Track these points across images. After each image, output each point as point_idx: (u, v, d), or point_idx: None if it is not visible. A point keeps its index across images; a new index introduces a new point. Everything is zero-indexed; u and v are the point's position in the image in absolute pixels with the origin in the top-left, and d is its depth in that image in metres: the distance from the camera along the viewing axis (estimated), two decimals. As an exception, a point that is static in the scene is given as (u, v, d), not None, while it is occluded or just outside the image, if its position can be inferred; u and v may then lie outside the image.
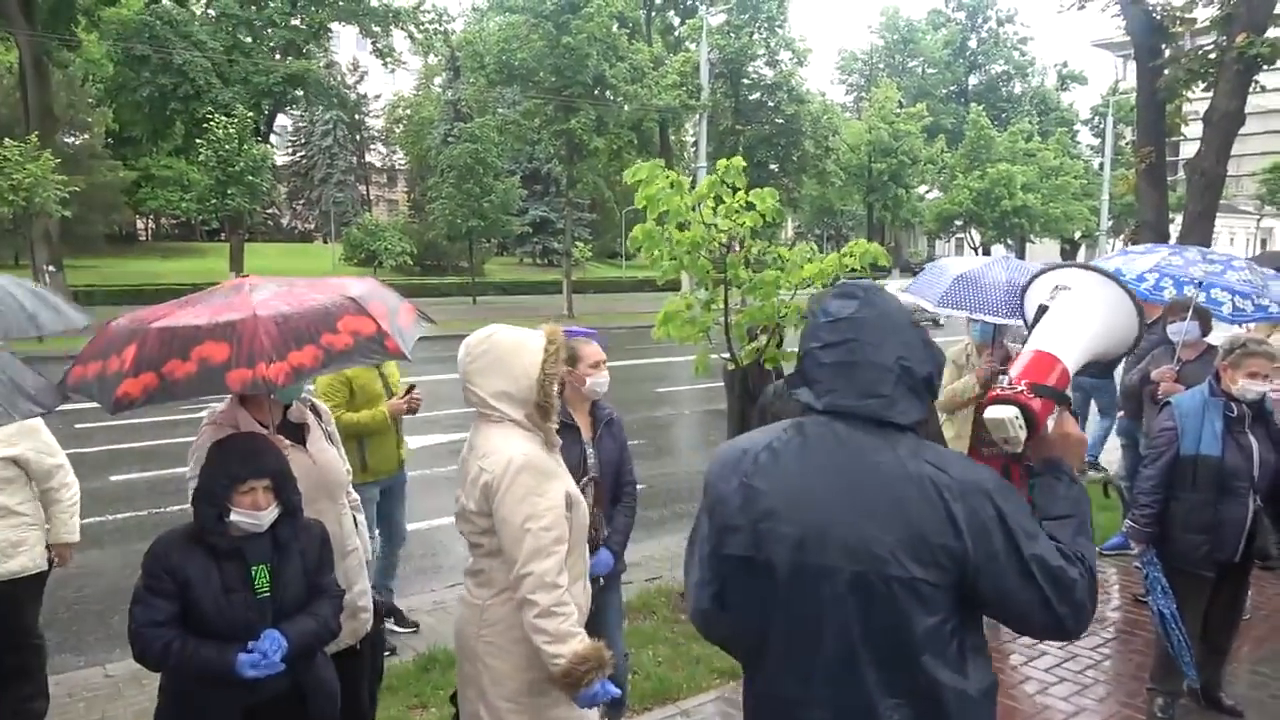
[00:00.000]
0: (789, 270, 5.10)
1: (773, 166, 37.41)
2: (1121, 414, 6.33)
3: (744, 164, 4.95)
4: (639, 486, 3.78)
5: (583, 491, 3.46)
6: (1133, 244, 9.51)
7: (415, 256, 37.91)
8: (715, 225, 4.85)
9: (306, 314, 2.37)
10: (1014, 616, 1.60)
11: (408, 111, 52.38)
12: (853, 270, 5.23)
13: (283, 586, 2.51)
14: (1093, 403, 7.39)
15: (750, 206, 4.77)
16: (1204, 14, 9.15)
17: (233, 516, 2.41)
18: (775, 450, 1.70)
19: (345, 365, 2.64)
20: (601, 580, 3.47)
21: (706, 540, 1.78)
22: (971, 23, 61.01)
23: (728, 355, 5.19)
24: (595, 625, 3.68)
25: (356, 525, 3.04)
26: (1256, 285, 4.71)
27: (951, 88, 60.09)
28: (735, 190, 4.81)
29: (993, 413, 1.79)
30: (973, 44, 61.22)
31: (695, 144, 33.13)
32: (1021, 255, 49.14)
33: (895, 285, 35.80)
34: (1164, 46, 9.33)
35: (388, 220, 45.60)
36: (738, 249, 5.07)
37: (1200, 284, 4.80)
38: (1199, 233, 9.03)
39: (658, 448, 9.94)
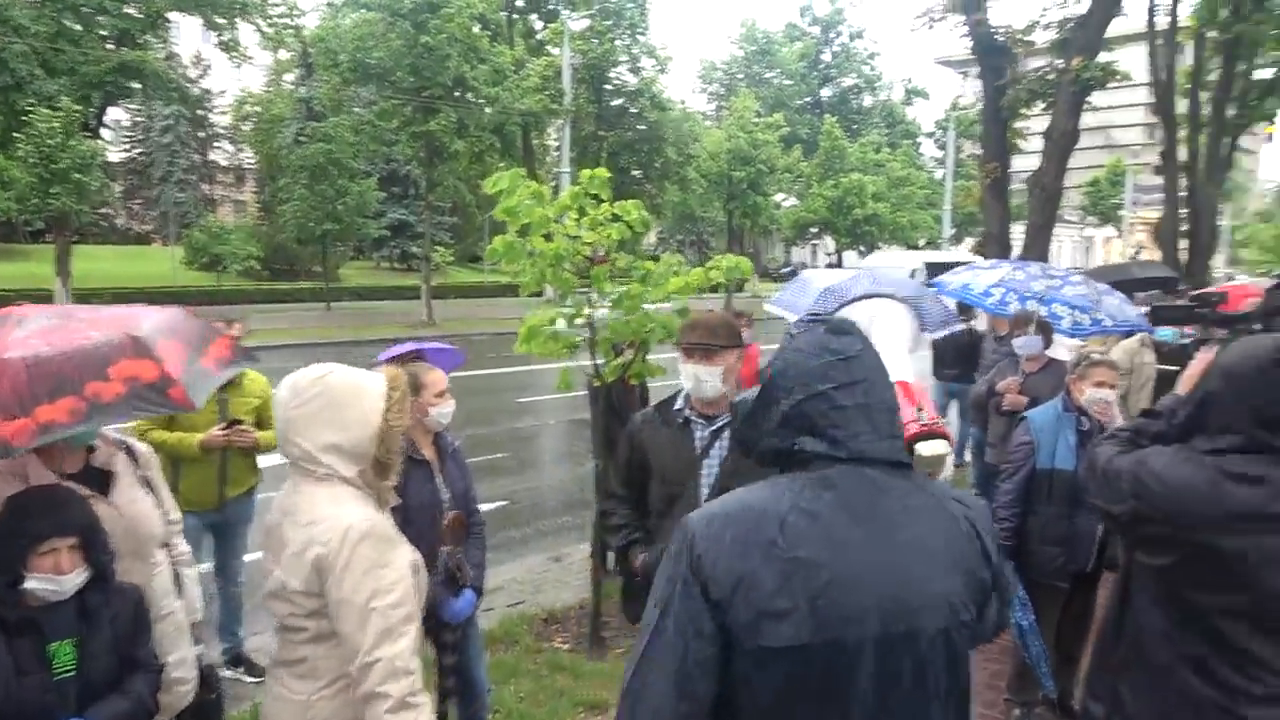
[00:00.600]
0: (654, 283, 4.97)
1: (635, 173, 37.57)
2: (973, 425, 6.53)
3: (608, 173, 4.79)
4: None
5: (446, 527, 3.22)
6: (979, 255, 9.92)
7: (263, 260, 36.06)
8: (579, 238, 4.66)
9: (71, 356, 1.98)
10: None
11: (256, 108, 49.90)
12: (716, 284, 5.17)
13: (90, 662, 2.15)
14: (954, 405, 7.61)
15: (616, 218, 4.60)
16: (1043, 37, 9.60)
17: (28, 583, 2.05)
18: (810, 513, 1.45)
19: (114, 420, 2.18)
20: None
21: (715, 638, 1.42)
22: (825, 36, 63.27)
23: (591, 371, 5.01)
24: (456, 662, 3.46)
25: (182, 583, 2.68)
26: (1092, 300, 4.90)
27: (807, 99, 62.11)
28: (600, 201, 4.65)
29: (932, 449, 1.72)
30: (826, 57, 63.50)
31: (559, 148, 32.89)
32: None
33: (754, 284, 36.12)
34: (1007, 67, 9.75)
35: (234, 222, 43.27)
36: (603, 260, 4.90)
37: (1042, 299, 4.96)
38: (1040, 244, 9.49)
39: (520, 461, 9.65)
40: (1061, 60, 9.18)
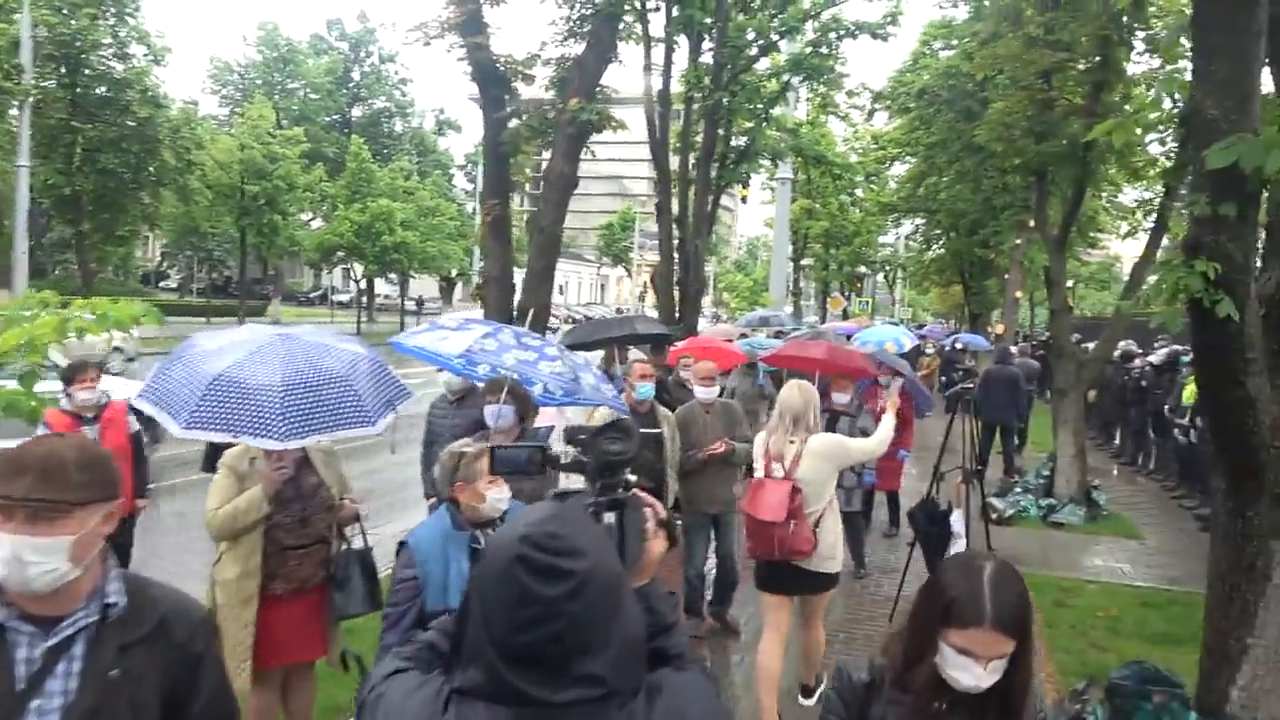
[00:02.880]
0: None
1: (125, 175, 32.26)
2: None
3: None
4: None
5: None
6: (479, 299, 9.20)
7: None
8: None
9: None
10: None
11: None
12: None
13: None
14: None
15: None
16: (545, 73, 9.15)
17: None
18: None
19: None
20: None
21: None
22: (355, 54, 61.03)
23: None
24: None
25: None
26: (568, 378, 4.17)
27: (335, 116, 59.28)
28: None
29: None
30: (356, 76, 61.27)
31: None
32: (405, 290, 50.19)
33: (274, 308, 33.30)
34: (508, 98, 9.15)
35: None
36: None
37: (517, 374, 4.14)
38: (540, 289, 8.98)
39: None
40: (560, 99, 8.76)
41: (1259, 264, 3.97)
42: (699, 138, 14.84)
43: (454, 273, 53.20)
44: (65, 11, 29.96)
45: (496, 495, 3.34)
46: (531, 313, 8.45)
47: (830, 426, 7.91)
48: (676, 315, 14.57)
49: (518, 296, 9.13)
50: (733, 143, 15.25)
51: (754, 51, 13.98)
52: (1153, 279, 3.72)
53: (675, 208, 14.86)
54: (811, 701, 5.40)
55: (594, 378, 4.70)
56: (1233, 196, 3.59)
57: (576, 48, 8.62)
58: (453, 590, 3.13)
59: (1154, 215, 11.05)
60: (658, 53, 14.30)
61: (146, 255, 64.20)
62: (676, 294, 14.65)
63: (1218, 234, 3.65)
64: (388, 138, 61.21)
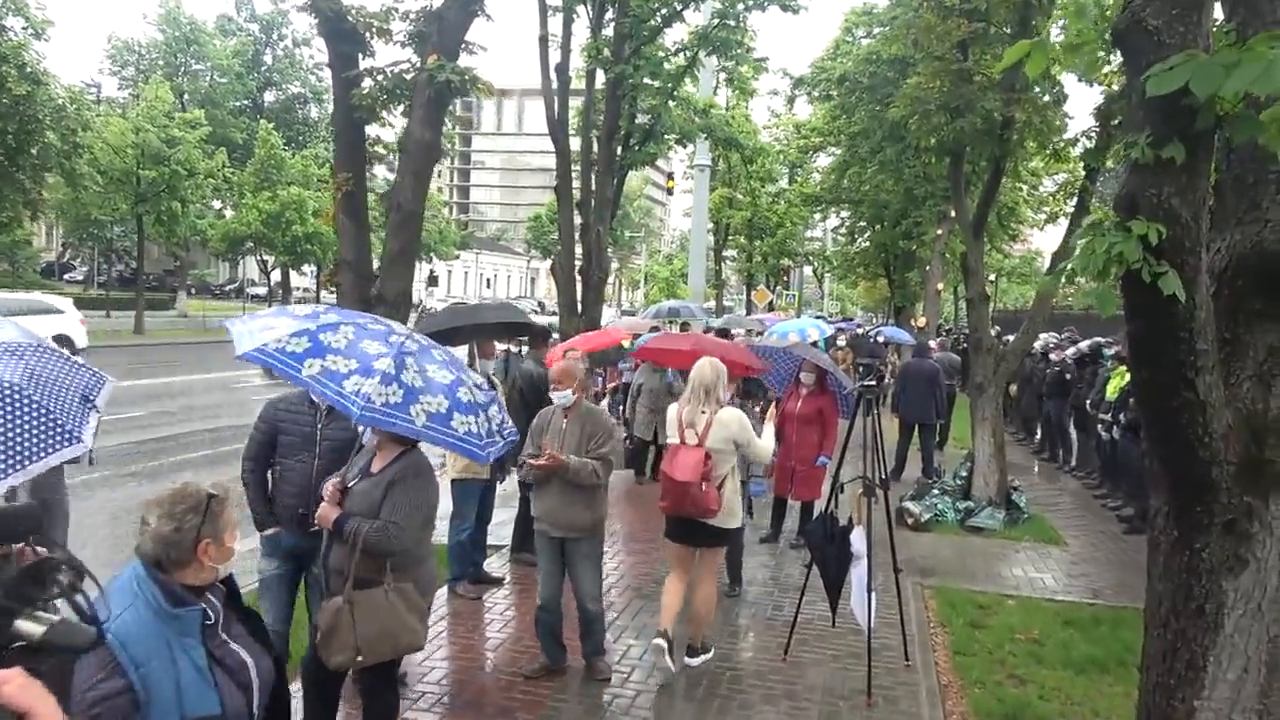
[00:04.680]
0: None
1: (0, 158, 29.88)
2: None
3: None
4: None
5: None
6: (333, 286, 8.04)
7: None
8: None
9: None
10: None
11: None
12: None
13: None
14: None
15: None
16: (401, 29, 8.02)
17: None
18: None
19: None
20: None
21: None
22: (266, 37, 58.47)
23: None
24: None
25: None
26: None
27: (245, 101, 56.68)
28: None
29: None
30: (268, 59, 58.71)
31: None
32: (321, 282, 48.16)
33: (182, 301, 31.72)
34: (361, 56, 8.01)
35: None
36: None
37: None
38: (398, 273, 7.87)
39: None
40: (419, 57, 7.65)
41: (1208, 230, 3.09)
42: (602, 117, 13.83)
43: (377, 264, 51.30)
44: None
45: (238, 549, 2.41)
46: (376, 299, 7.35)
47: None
48: (579, 306, 13.55)
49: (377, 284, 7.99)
50: (637, 121, 14.28)
51: (657, 21, 13.00)
52: (1081, 244, 2.79)
53: (577, 192, 13.81)
54: (697, 662, 5.80)
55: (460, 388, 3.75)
56: (1179, 135, 2.71)
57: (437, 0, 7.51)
58: (189, 695, 2.17)
59: (1074, 199, 10.42)
60: (555, 23, 13.25)
61: (48, 247, 60.81)
62: (579, 284, 13.63)
63: (1160, 186, 2.76)
64: (302, 124, 58.82)
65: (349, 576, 3.77)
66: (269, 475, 4.80)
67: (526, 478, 5.38)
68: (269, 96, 58.34)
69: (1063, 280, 3.13)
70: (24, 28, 30.52)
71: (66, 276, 58.59)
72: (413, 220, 7.84)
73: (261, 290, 54.32)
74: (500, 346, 10.23)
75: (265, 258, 47.12)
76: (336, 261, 8.13)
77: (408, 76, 7.84)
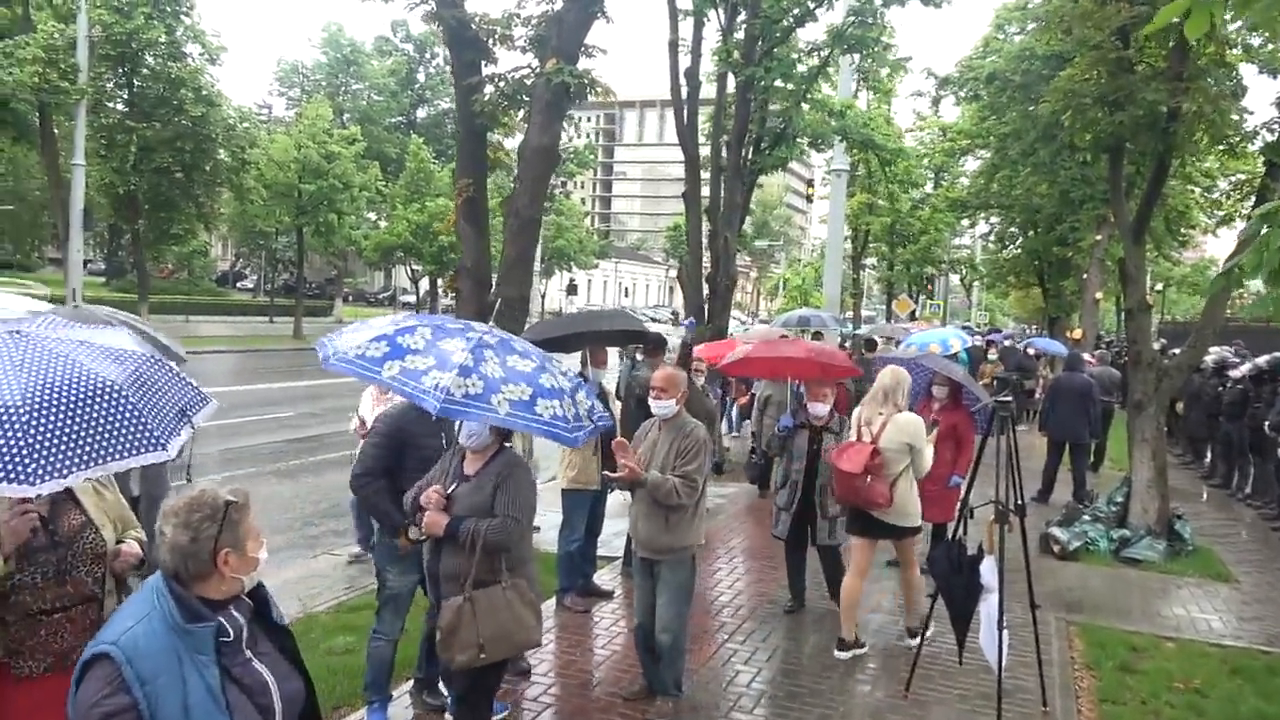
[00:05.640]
0: None
1: (178, 174, 32.31)
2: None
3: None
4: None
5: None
6: (452, 291, 8.08)
7: None
8: None
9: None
10: None
11: None
12: None
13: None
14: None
15: None
16: (523, 34, 7.99)
17: None
18: None
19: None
20: None
21: None
22: (420, 56, 61.03)
23: None
24: None
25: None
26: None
27: (399, 118, 59.31)
28: None
29: None
30: (421, 77, 61.26)
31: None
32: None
33: (339, 309, 33.20)
34: (483, 63, 8.03)
35: None
36: None
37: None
38: (516, 279, 7.83)
39: None
40: (538, 62, 7.59)
41: None
42: (731, 122, 13.53)
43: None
44: (122, 11, 30.06)
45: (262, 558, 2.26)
46: (498, 305, 7.31)
47: (813, 445, 6.63)
48: (705, 314, 13.27)
49: (494, 289, 7.99)
50: (768, 124, 13.89)
51: (789, 22, 12.59)
52: (1261, 234, 2.33)
53: (706, 199, 13.57)
54: (914, 642, 5.99)
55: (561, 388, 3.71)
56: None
57: (557, 3, 7.42)
58: (196, 716, 2.06)
59: (1253, 199, 9.38)
60: (686, 27, 13.06)
61: (223, 256, 65.53)
62: (706, 290, 13.36)
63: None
64: (451, 138, 61.00)
65: (467, 578, 3.81)
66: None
67: (612, 489, 5.17)
68: (421, 113, 60.83)
69: (1231, 284, 2.64)
70: (200, 54, 32.92)
71: (239, 285, 62.95)
72: (530, 226, 7.78)
73: (411, 298, 56.68)
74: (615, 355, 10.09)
75: (415, 267, 49.03)
76: (457, 268, 8.17)
77: (528, 82, 7.80)
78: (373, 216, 50.49)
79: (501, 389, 3.59)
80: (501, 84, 7.90)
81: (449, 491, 4.00)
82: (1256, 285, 2.68)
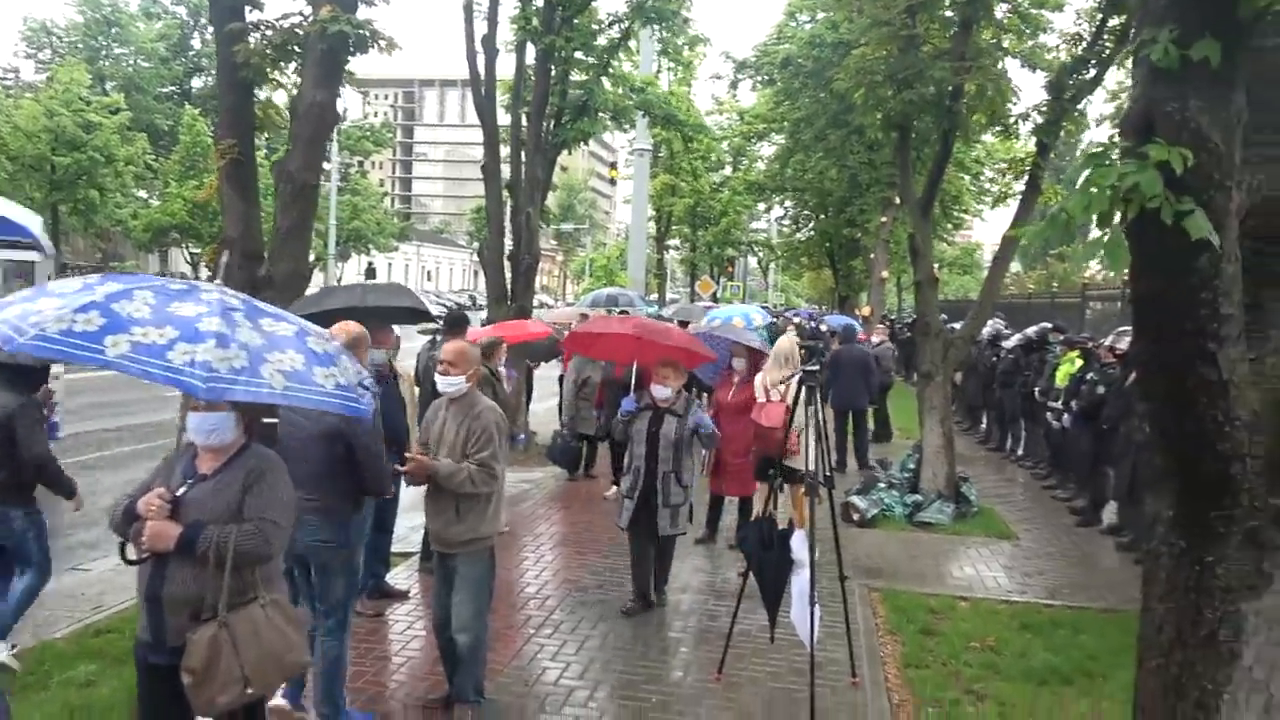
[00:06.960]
0: None
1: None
2: None
3: None
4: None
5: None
6: (212, 262, 7.15)
7: None
8: None
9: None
10: None
11: None
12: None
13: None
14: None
15: None
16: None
17: None
18: None
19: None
20: None
21: None
22: (194, 21, 56.10)
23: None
24: None
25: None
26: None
27: (172, 87, 54.35)
28: None
29: None
30: (196, 44, 56.39)
31: None
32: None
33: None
34: (246, 8, 7.13)
35: None
36: None
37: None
38: (290, 253, 7.04)
39: None
40: (310, 8, 6.81)
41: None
42: (532, 94, 13.02)
43: (313, 256, 49.64)
44: None
45: None
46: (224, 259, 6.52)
47: (653, 428, 6.32)
48: (509, 293, 12.74)
49: (266, 266, 7.14)
50: (569, 96, 13.49)
51: (587, -11, 12.24)
52: (1083, 178, 2.12)
53: (507, 173, 13.00)
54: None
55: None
56: (1214, 31, 2.07)
57: (332, -55, 6.65)
58: None
59: (1024, 178, 9.94)
60: (482, -9, 12.40)
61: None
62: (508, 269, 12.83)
63: (1185, 98, 2.12)
64: (232, 111, 56.61)
65: (217, 599, 3.11)
66: None
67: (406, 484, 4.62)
68: (196, 82, 55.92)
69: (1052, 228, 2.46)
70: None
71: (-18, 269, 55.89)
72: (306, 193, 7.00)
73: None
74: (424, 337, 9.38)
75: (193, 250, 45.22)
76: (220, 239, 7.25)
77: (299, 31, 6.98)
78: (143, 194, 46.14)
79: (267, 358, 2.91)
80: (269, 32, 7.04)
81: (178, 494, 3.23)
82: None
